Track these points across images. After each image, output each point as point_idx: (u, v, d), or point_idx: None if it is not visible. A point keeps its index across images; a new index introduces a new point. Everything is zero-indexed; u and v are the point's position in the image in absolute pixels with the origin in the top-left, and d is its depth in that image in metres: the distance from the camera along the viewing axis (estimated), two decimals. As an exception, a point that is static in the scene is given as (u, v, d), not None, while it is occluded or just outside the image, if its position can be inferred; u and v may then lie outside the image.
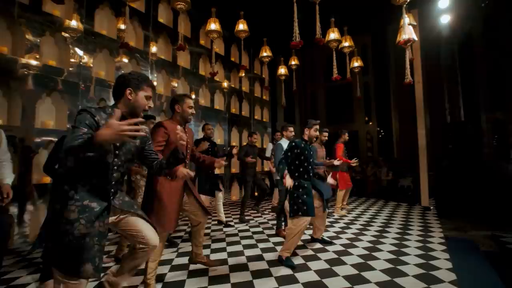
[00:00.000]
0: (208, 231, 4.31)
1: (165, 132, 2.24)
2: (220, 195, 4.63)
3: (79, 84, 4.42)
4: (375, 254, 3.20)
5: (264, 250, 3.40)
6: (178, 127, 1.82)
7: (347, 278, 2.57)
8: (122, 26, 5.15)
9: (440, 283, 2.43)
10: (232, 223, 4.81)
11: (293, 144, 3.04)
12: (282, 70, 7.06)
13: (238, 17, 4.91)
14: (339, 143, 5.22)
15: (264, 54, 6.04)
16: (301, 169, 3.04)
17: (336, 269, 2.79)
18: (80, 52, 4.49)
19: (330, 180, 4.03)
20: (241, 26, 4.91)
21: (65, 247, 1.33)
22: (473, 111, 8.58)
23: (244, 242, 3.75)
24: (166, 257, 3.17)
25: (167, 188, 2.25)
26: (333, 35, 5.28)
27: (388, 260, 2.98)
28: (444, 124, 8.14)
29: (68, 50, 4.37)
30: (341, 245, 3.56)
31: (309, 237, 3.79)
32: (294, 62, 6.81)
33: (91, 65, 4.64)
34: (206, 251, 3.37)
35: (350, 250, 3.36)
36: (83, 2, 4.57)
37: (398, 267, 2.80)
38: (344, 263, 2.94)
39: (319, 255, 3.21)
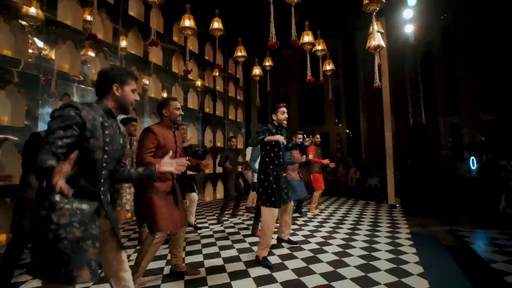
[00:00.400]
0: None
1: (154, 138, 2.18)
2: (195, 197, 4.46)
3: (39, 77, 4.06)
4: (348, 251, 3.30)
5: (241, 250, 3.36)
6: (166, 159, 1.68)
7: (323, 275, 2.62)
8: (89, 17, 4.82)
9: (410, 276, 2.56)
10: (204, 225, 4.71)
11: (266, 127, 2.95)
12: (256, 71, 7.06)
13: (213, 15, 4.83)
14: (311, 146, 5.35)
15: (239, 54, 6.01)
16: (272, 154, 3.00)
17: (312, 267, 2.83)
18: (40, 43, 4.13)
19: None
20: (216, 24, 4.84)
21: (59, 254, 1.20)
22: (432, 115, 9.27)
23: (219, 243, 3.68)
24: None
25: (157, 187, 2.21)
26: (307, 38, 5.38)
27: (361, 256, 3.09)
28: (407, 127, 8.68)
29: (26, 39, 4.00)
30: (316, 243, 3.63)
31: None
32: (268, 63, 6.85)
33: (53, 57, 4.28)
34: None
35: (325, 248, 3.43)
36: (44, -11, 4.21)
37: (371, 262, 2.91)
38: (320, 261, 2.99)
39: (295, 253, 3.23)
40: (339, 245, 3.52)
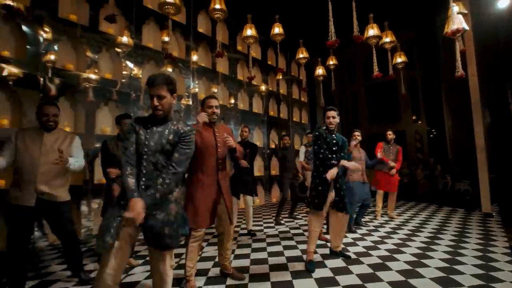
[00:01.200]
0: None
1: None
2: (249, 201, 4.24)
3: (131, 93, 4.86)
4: (424, 261, 2.97)
5: (304, 252, 3.37)
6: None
7: (392, 284, 2.43)
8: (166, 38, 5.54)
9: (503, 296, 2.18)
10: (261, 227, 4.84)
11: (317, 133, 2.95)
12: (319, 71, 6.93)
13: (273, 21, 4.98)
14: (380, 142, 4.99)
15: (301, 55, 6.02)
16: (320, 156, 2.92)
17: (380, 274, 2.65)
18: (130, 64, 4.95)
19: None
20: (277, 29, 4.97)
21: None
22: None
23: (284, 243, 3.75)
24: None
25: (199, 185, 2.31)
26: (372, 31, 5.05)
27: (440, 268, 2.75)
28: (506, 121, 7.25)
29: (120, 63, 4.85)
30: (386, 250, 3.37)
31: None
32: (332, 62, 6.66)
33: (140, 76, 5.07)
34: (247, 250, 3.45)
35: (396, 255, 3.16)
36: (132, 19, 5.04)
37: (452, 276, 2.56)
38: (389, 268, 2.78)
39: (361, 259, 3.08)
40: (413, 254, 3.19)
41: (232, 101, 6.94)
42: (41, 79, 3.86)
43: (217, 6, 4.13)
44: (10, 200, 2.24)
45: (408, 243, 3.63)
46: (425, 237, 3.90)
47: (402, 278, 2.54)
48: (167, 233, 1.63)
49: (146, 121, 1.74)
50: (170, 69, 5.58)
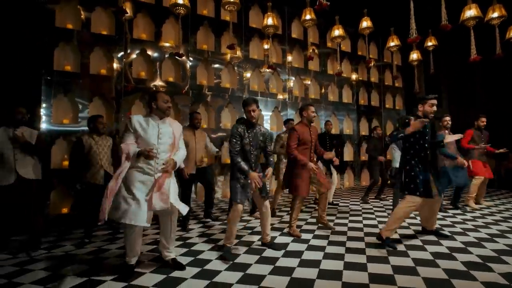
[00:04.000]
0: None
1: (297, 135, 3.35)
2: (335, 180, 5.33)
3: (242, 96, 6.41)
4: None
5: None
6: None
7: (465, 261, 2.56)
8: (266, 46, 6.80)
9: None
10: (338, 204, 5.59)
11: (407, 120, 3.24)
12: (414, 56, 6.88)
13: (362, 15, 5.38)
14: (470, 130, 4.90)
15: (392, 44, 6.19)
16: (417, 147, 3.04)
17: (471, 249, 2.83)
18: (241, 72, 6.49)
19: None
20: (365, 23, 5.36)
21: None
22: None
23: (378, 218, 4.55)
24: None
25: (301, 168, 3.39)
26: (470, 12, 4.92)
27: None
28: None
29: (234, 73, 6.44)
30: (462, 242, 3.14)
31: (420, 228, 3.56)
32: (431, 43, 6.47)
33: (248, 81, 6.56)
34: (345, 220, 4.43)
35: (470, 248, 2.92)
36: (242, 38, 6.51)
37: (516, 250, 2.82)
38: (454, 259, 2.65)
39: (426, 246, 3.00)
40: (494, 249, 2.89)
41: (323, 91, 7.76)
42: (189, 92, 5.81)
43: (308, 17, 5.00)
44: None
45: (496, 238, 3.26)
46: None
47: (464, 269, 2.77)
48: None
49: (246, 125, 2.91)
50: (270, 72, 6.86)
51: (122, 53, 5.21)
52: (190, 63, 5.90)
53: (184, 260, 2.69)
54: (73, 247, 3.24)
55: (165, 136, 2.46)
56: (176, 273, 2.46)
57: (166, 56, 5.68)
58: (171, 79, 5.75)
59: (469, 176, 4.85)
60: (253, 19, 6.81)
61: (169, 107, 2.54)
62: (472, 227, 3.71)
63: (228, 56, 6.34)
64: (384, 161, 5.52)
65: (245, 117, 2.97)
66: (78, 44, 4.86)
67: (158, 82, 5.52)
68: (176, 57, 4.42)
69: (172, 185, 2.45)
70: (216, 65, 6.25)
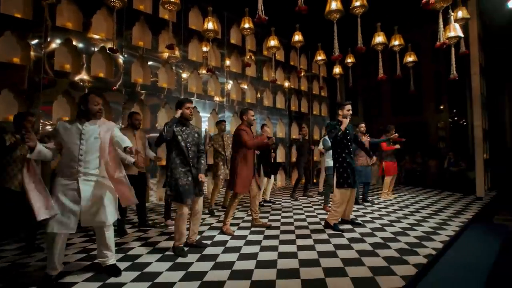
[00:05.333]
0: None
1: (247, 132, 3.58)
2: (272, 180, 5.87)
3: (179, 97, 6.31)
4: (400, 223, 4.04)
5: (310, 218, 4.62)
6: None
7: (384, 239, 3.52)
8: (205, 48, 6.84)
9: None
10: (274, 201, 6.11)
11: (333, 124, 3.80)
12: (336, 70, 7.83)
13: (295, 29, 5.97)
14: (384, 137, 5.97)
15: (319, 58, 6.99)
16: (342, 145, 3.76)
17: (377, 233, 3.58)
18: (179, 73, 6.40)
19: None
20: (297, 37, 5.98)
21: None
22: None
23: (295, 216, 5.04)
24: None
25: (244, 165, 3.62)
26: (379, 38, 5.92)
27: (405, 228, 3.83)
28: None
29: (172, 73, 6.31)
30: (370, 228, 3.87)
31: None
32: (350, 60, 7.50)
33: (187, 81, 6.52)
34: (265, 215, 4.78)
35: (376, 233, 3.62)
36: (181, 38, 6.44)
37: (408, 231, 3.66)
38: (364, 242, 3.27)
39: (344, 234, 3.60)
40: (393, 220, 4.25)
41: (258, 95, 8.19)
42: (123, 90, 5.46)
43: (246, 25, 5.28)
44: None
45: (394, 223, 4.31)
46: (409, 211, 4.94)
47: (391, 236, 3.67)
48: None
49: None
50: (208, 75, 6.94)
51: (37, 40, 4.58)
52: (124, 59, 5.56)
53: (122, 266, 2.61)
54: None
55: (91, 137, 2.33)
56: (112, 280, 2.37)
57: (96, 49, 5.24)
58: (101, 75, 5.32)
59: (381, 175, 5.90)
60: (193, 20, 6.80)
61: (100, 110, 2.42)
62: (378, 216, 4.58)
63: (166, 55, 6.19)
64: (309, 162, 6.23)
65: (178, 117, 2.97)
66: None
67: (84, 76, 5.04)
68: (109, 52, 4.16)
69: (106, 194, 2.37)
70: (152, 63, 6.03)
